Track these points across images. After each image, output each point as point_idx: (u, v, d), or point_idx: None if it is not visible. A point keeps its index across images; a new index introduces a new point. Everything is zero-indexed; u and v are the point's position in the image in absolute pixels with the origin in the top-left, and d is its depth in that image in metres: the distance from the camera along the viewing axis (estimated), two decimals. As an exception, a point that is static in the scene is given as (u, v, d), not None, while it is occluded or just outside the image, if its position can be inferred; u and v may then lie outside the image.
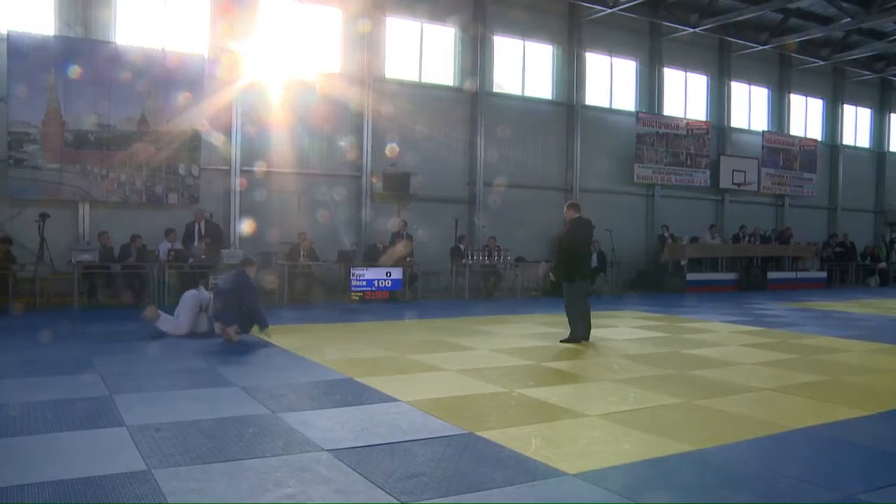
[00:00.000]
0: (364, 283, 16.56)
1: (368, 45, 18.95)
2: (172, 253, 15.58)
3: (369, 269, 16.79)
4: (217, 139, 17.22)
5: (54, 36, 15.77)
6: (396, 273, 16.88)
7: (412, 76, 20.06)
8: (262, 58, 17.42)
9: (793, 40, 24.84)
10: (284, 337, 10.73)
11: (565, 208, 11.33)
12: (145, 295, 15.40)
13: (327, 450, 5.20)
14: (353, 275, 16.56)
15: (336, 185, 18.66)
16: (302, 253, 16.68)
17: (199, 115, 16.80)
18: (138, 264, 15.42)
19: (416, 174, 18.85)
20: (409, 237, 18.10)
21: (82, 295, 14.84)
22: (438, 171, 19.70)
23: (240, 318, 10.42)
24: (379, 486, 4.51)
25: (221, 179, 17.50)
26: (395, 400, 6.84)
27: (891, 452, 5.65)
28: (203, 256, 15.65)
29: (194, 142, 16.86)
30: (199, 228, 16.28)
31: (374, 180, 18.85)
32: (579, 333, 10.81)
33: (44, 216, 14.78)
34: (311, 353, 9.38)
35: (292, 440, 5.45)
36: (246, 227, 17.11)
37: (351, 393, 7.14)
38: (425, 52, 20.30)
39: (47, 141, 15.56)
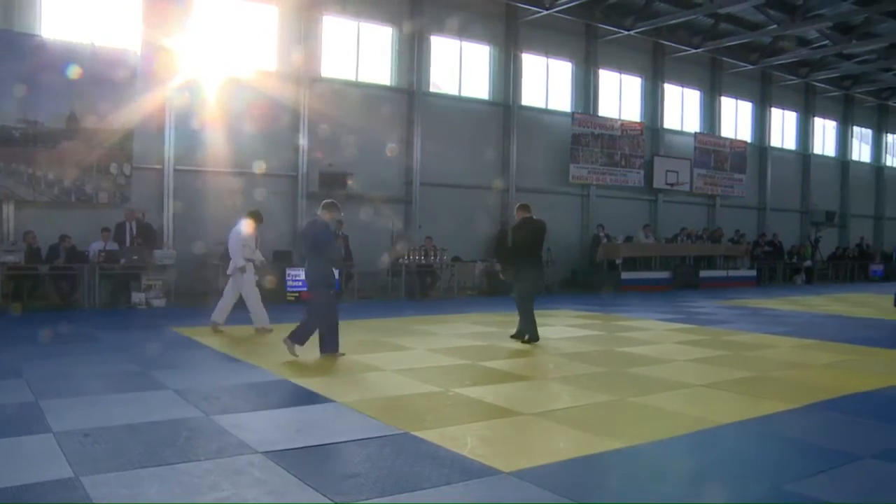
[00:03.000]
0: (300, 283, 16.41)
1: (305, 43, 18.79)
2: (103, 254, 15.21)
3: (303, 269, 16.63)
4: (150, 137, 16.88)
5: (-26, 28, 15.26)
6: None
7: (349, 75, 19.96)
8: (197, 55, 17.12)
9: (723, 44, 25.40)
10: (219, 338, 10.61)
11: (516, 209, 11.31)
12: (76, 296, 15.06)
13: (262, 452, 5.16)
14: (288, 275, 16.42)
15: (272, 185, 18.44)
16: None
17: (132, 113, 16.42)
18: (68, 265, 15.04)
19: (352, 174, 18.76)
20: (346, 237, 18.01)
21: (7, 297, 14.39)
22: (375, 171, 19.64)
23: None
24: (314, 488, 4.50)
25: (155, 179, 17.15)
26: (330, 401, 6.82)
27: (815, 444, 5.84)
28: (135, 257, 15.34)
29: (126, 140, 16.47)
30: (131, 228, 15.96)
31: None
32: (530, 330, 10.87)
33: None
34: (245, 354, 9.30)
35: (226, 443, 5.40)
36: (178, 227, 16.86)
37: (286, 394, 7.10)
38: (362, 52, 20.21)
39: (-32, 138, 15.05)
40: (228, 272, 11.80)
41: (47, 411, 6.15)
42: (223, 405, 6.58)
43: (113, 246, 15.50)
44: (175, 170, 17.18)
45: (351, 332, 11.64)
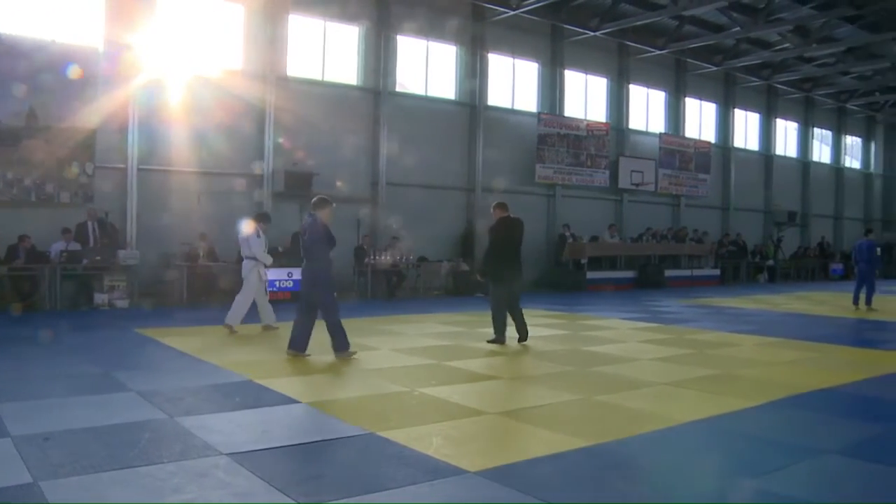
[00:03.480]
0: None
1: (271, 42, 18.66)
2: (65, 254, 14.99)
3: (270, 269, 16.52)
4: (113, 136, 16.66)
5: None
6: (298, 273, 16.65)
7: (315, 74, 19.86)
8: (162, 53, 16.92)
9: (687, 46, 25.66)
10: (183, 339, 10.50)
11: (492, 208, 11.10)
12: (37, 297, 14.84)
13: (226, 454, 5.12)
14: (254, 275, 16.30)
15: (237, 185, 18.30)
16: (201, 253, 16.34)
17: (94, 111, 16.18)
18: (28, 266, 14.81)
19: (318, 173, 18.68)
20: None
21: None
22: (341, 171, 19.54)
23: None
24: (279, 490, 4.47)
25: (118, 178, 16.92)
26: (296, 401, 6.79)
27: (778, 440, 5.91)
28: (98, 258, 15.14)
29: (88, 139, 16.22)
30: (94, 228, 15.74)
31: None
32: (499, 336, 10.72)
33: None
34: (210, 355, 9.21)
35: (190, 445, 5.34)
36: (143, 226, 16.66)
37: (251, 395, 7.04)
38: (329, 51, 20.13)
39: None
40: (244, 274, 11.93)
41: (5, 415, 6.04)
42: (187, 407, 6.52)
43: (75, 246, 15.28)
44: (139, 169, 16.95)
45: (315, 332, 11.61)
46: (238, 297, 11.77)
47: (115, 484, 4.50)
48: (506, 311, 10.76)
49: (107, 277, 15.20)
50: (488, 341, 10.79)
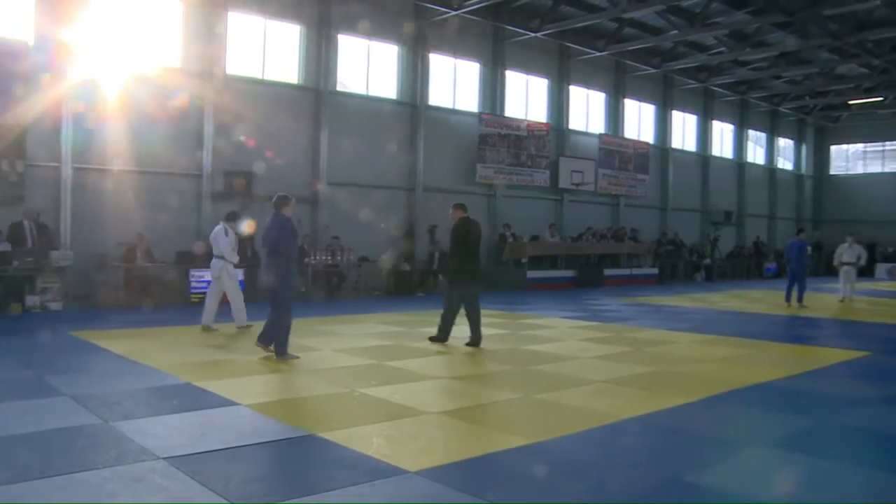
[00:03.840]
0: (204, 284, 16.09)
1: (210, 39, 18.36)
2: (-6, 255, 14.57)
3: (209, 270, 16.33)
4: (45, 134, 16.24)
5: None
6: (238, 274, 16.47)
7: (255, 73, 19.63)
8: (97, 49, 16.53)
9: (627, 48, 26.03)
10: (119, 342, 10.30)
11: (451, 209, 11.03)
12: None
13: (163, 458, 5.05)
14: (192, 276, 16.08)
15: (175, 184, 17.98)
16: (139, 254, 16.04)
17: (25, 108, 15.73)
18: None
19: (258, 173, 18.48)
20: (251, 238, 17.72)
21: None
22: (281, 170, 19.31)
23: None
24: (217, 493, 4.43)
25: (51, 177, 16.47)
26: (234, 403, 6.72)
27: (711, 435, 6.06)
28: (30, 259, 14.74)
29: (19, 136, 15.76)
30: (31, 228, 15.25)
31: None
32: (442, 335, 10.71)
33: None
34: (147, 357, 9.05)
35: (126, 449, 5.26)
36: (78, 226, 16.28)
37: (189, 398, 6.95)
38: (269, 49, 19.91)
39: None
40: (214, 275, 11.92)
41: (-67, 421, 5.87)
42: (123, 411, 6.40)
43: (6, 247, 14.84)
44: (73, 168, 16.54)
45: (255, 333, 11.49)
46: (232, 302, 11.88)
47: (47, 492, 4.40)
48: (457, 312, 10.70)
49: (39, 279, 14.79)
50: (430, 339, 10.81)
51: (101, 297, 15.77)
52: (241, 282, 12.85)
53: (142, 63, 17.16)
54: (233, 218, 12.13)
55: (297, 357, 9.15)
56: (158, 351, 9.63)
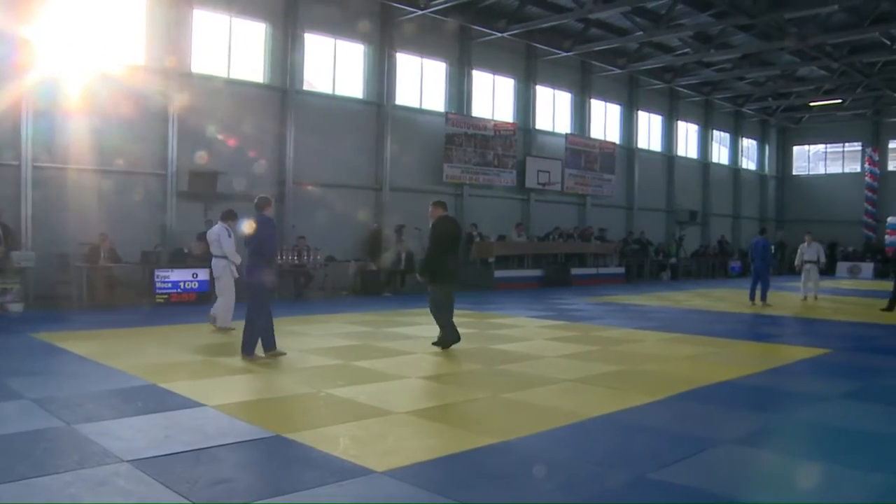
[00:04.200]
0: (169, 284, 15.98)
1: (174, 37, 18.18)
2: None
3: (175, 270, 16.20)
4: (5, 132, 15.95)
5: None
6: (203, 274, 16.37)
7: (221, 72, 19.45)
8: (59, 45, 16.25)
9: (593, 48, 26.18)
10: (82, 343, 10.16)
11: (431, 207, 10.61)
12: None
13: (127, 460, 5.00)
14: (157, 276, 15.91)
15: (140, 184, 17.75)
16: (102, 254, 15.83)
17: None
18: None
19: (224, 173, 18.33)
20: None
21: None
22: (247, 170, 19.21)
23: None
24: (183, 496, 4.39)
25: (11, 176, 16.20)
26: (200, 405, 6.66)
27: (676, 433, 6.11)
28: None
29: (-23, 135, 15.50)
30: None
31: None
32: (451, 336, 10.20)
33: None
34: (111, 359, 8.93)
35: (89, 453, 5.19)
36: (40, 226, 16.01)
37: (154, 399, 6.87)
38: (235, 47, 19.75)
39: None
40: (216, 274, 11.88)
41: None
42: (86, 413, 6.32)
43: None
44: (34, 167, 16.27)
45: (222, 334, 11.42)
46: (219, 301, 11.82)
47: (7, 498, 4.32)
48: (450, 309, 10.32)
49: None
50: (434, 343, 10.31)
51: (64, 299, 15.54)
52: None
53: (105, 60, 16.92)
54: (232, 217, 12.01)
55: (263, 358, 9.10)
56: (123, 352, 9.51)
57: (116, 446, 5.31)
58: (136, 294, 16.33)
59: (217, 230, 11.90)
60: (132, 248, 16.87)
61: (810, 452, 5.75)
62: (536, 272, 24.54)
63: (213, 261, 11.91)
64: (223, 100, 18.97)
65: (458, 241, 10.79)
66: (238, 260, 11.78)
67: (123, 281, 16.45)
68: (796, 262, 20.28)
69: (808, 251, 19.87)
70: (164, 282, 15.89)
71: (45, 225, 16.22)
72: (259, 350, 9.20)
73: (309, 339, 11.12)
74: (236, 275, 11.77)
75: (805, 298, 19.56)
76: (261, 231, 9.28)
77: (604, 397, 7.38)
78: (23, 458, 5.02)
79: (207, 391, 7.21)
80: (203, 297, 16.18)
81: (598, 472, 5.14)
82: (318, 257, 19.13)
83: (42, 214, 16.24)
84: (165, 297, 15.87)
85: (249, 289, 9.35)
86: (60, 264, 16.06)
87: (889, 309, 16.29)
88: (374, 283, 20.21)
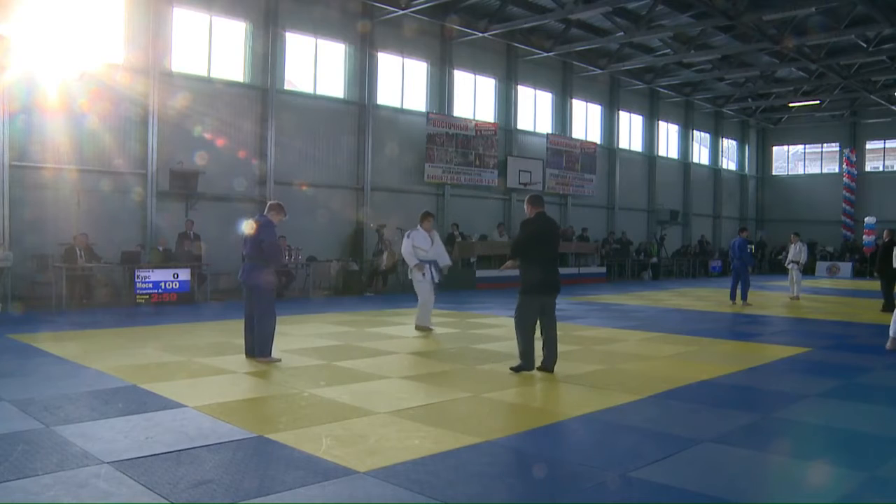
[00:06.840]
0: (150, 285, 15.86)
1: (154, 36, 18.07)
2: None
3: (155, 270, 16.09)
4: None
5: None
6: (184, 274, 16.30)
7: (201, 71, 19.37)
8: (36, 43, 16.11)
9: (574, 49, 26.26)
10: (61, 344, 10.08)
11: (526, 203, 9.07)
12: None
13: (108, 462, 4.95)
14: (138, 277, 15.81)
15: (119, 183, 17.64)
16: (80, 254, 15.70)
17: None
18: None
19: (204, 172, 18.24)
20: (198, 237, 17.51)
21: None
22: (229, 170, 19.15)
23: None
24: (164, 497, 4.36)
25: (-13, 175, 16.07)
26: (181, 406, 6.62)
27: (658, 432, 6.13)
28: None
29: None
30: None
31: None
32: (523, 362, 8.56)
33: None
34: (91, 360, 8.86)
35: (69, 454, 5.14)
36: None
37: (134, 401, 6.82)
38: (215, 47, 19.66)
39: None
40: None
41: None
42: (66, 415, 6.26)
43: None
44: (11, 166, 16.12)
45: (203, 334, 11.38)
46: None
47: (-15, 498, 4.28)
48: (535, 325, 8.65)
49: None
50: (512, 369, 8.62)
51: (43, 299, 15.41)
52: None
53: (83, 59, 16.78)
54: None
55: (279, 360, 9.09)
56: (103, 353, 9.43)
57: (96, 448, 5.27)
58: (117, 294, 16.23)
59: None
60: (112, 247, 16.75)
61: (790, 450, 5.79)
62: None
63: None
64: (204, 99, 18.89)
65: (556, 241, 9.28)
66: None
67: (104, 281, 16.33)
68: (787, 262, 20.63)
69: (793, 251, 20.23)
70: (145, 282, 15.78)
71: (22, 225, 16.08)
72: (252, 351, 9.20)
73: (291, 339, 11.06)
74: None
75: (793, 298, 19.71)
76: (261, 233, 9.19)
77: (586, 396, 7.39)
78: (0, 460, 4.97)
79: (188, 392, 7.17)
80: (184, 297, 16.11)
81: (580, 470, 5.14)
82: (300, 257, 19.08)
83: (19, 215, 16.10)
84: (146, 297, 15.76)
85: (253, 292, 9.26)
86: (39, 265, 15.93)
87: (888, 309, 16.23)
88: (356, 282, 20.18)
